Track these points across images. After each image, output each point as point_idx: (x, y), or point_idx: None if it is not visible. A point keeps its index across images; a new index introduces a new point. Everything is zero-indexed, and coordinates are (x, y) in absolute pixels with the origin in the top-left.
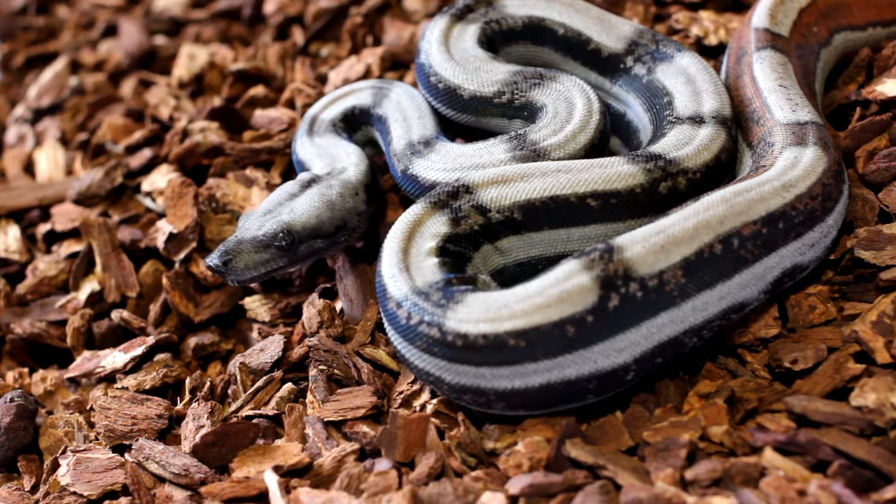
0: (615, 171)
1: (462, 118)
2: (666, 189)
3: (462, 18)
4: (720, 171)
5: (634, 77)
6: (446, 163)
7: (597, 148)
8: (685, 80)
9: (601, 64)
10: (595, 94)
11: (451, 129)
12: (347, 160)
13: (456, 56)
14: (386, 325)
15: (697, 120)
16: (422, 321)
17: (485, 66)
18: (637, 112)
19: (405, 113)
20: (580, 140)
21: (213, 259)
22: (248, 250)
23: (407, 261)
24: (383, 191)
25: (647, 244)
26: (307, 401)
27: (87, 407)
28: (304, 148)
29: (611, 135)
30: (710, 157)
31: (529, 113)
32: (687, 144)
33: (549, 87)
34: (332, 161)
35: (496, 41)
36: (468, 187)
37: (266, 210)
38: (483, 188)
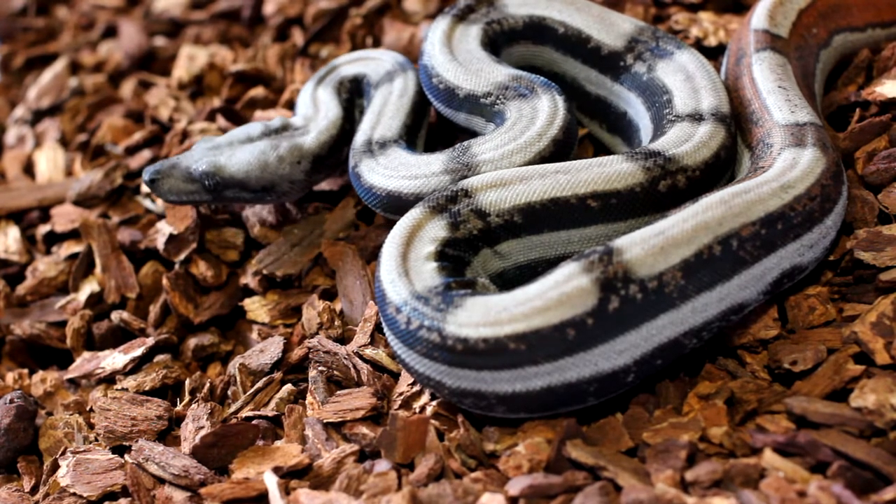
0: (614, 171)
1: (458, 117)
2: (665, 187)
3: (464, 19)
4: (720, 168)
5: (635, 75)
6: (387, 169)
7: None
8: (684, 77)
9: (601, 62)
10: (564, 122)
11: (451, 130)
12: (319, 124)
13: (459, 57)
14: (385, 329)
15: (697, 117)
16: (421, 326)
17: (486, 68)
18: (638, 110)
19: (384, 107)
20: (515, 160)
21: (146, 173)
22: (177, 177)
23: (406, 265)
24: (341, 164)
25: (646, 246)
26: (307, 402)
27: (87, 408)
28: (305, 92)
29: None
30: (710, 155)
31: (500, 121)
32: (686, 142)
33: (528, 101)
34: (312, 118)
35: (499, 42)
36: (467, 191)
37: (217, 145)
38: (482, 192)
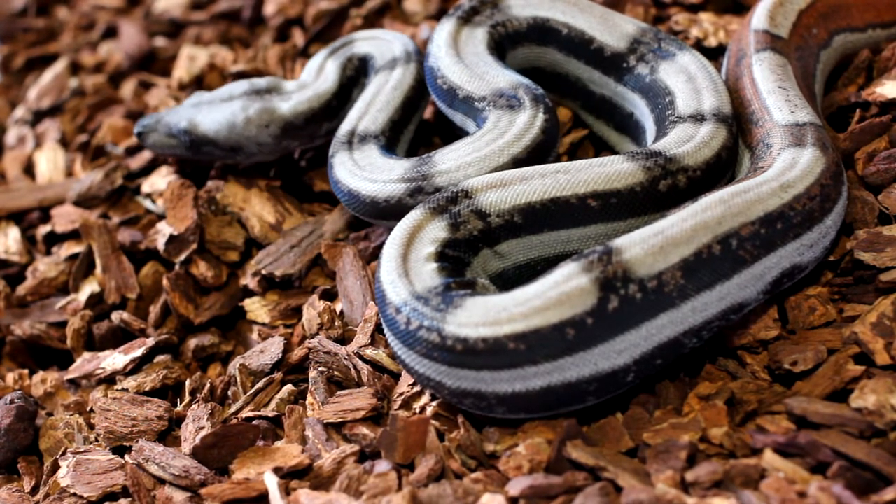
0: (614, 170)
1: (455, 117)
2: (666, 187)
3: (469, 21)
4: (721, 168)
5: (638, 76)
6: (355, 166)
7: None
8: (686, 78)
9: (604, 63)
10: (532, 141)
11: (448, 128)
12: (304, 93)
13: (466, 60)
14: (385, 330)
15: (698, 118)
16: (421, 326)
17: (491, 72)
18: (643, 112)
19: (376, 96)
20: (469, 173)
21: (137, 126)
22: (161, 132)
23: (406, 266)
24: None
25: (645, 246)
26: (307, 402)
27: (87, 408)
28: (315, 60)
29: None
30: (711, 155)
31: (480, 126)
32: (687, 142)
33: (509, 113)
34: (307, 85)
35: (504, 45)
36: (467, 192)
37: (200, 101)
38: (482, 192)
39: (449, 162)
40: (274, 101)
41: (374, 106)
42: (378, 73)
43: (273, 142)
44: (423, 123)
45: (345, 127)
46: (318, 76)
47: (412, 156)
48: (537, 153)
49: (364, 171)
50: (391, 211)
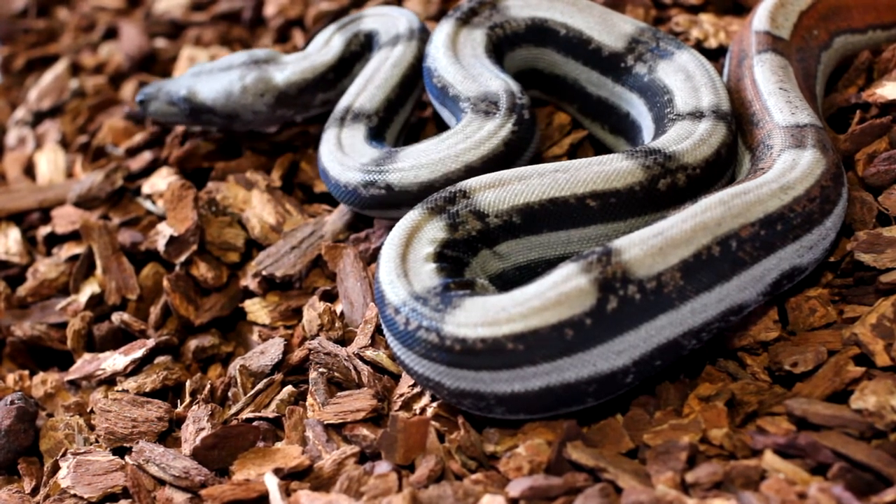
0: (613, 169)
1: (443, 113)
2: (665, 186)
3: (467, 22)
4: (720, 166)
5: (636, 76)
6: (335, 145)
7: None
8: (685, 77)
9: (602, 63)
10: (488, 151)
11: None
12: (300, 64)
13: (463, 61)
14: (385, 331)
15: (697, 115)
16: (420, 326)
17: (486, 75)
18: (640, 111)
19: (375, 73)
20: (420, 175)
21: (139, 95)
22: (162, 100)
23: (405, 267)
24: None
25: (645, 246)
26: (307, 403)
27: (88, 409)
28: (323, 33)
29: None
30: (710, 153)
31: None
32: (686, 139)
33: (481, 119)
34: (308, 56)
35: (503, 47)
36: (465, 192)
37: (200, 70)
38: (480, 192)
39: (408, 160)
40: (270, 71)
41: (372, 83)
42: (381, 50)
43: (268, 110)
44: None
45: (343, 103)
46: (322, 49)
47: (411, 140)
48: (494, 164)
49: (340, 152)
50: (349, 197)
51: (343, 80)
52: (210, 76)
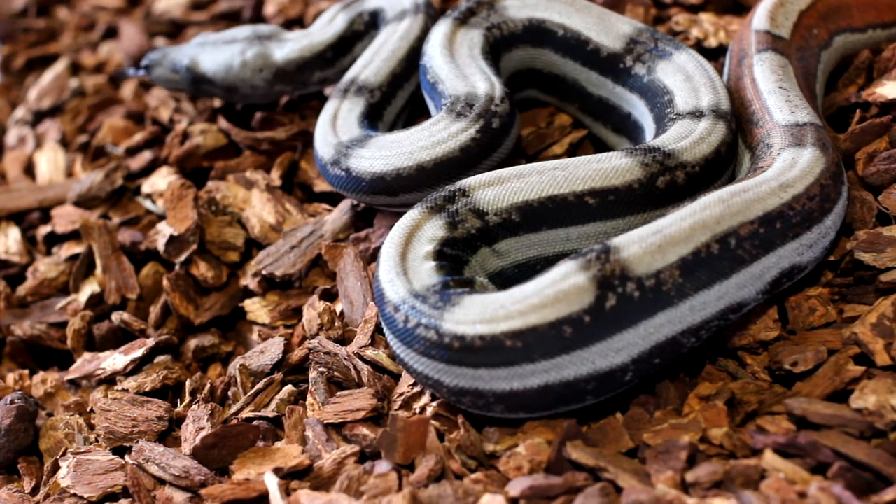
0: (612, 166)
1: (430, 105)
2: (664, 183)
3: (465, 23)
4: (720, 164)
5: (635, 77)
6: (329, 115)
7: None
8: (684, 77)
9: (601, 64)
10: (442, 153)
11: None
12: (299, 42)
13: (458, 61)
14: (384, 329)
15: (697, 114)
16: (419, 324)
17: (477, 75)
18: (642, 112)
19: (383, 45)
20: (375, 166)
21: (144, 59)
22: (165, 66)
23: (404, 265)
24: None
25: (644, 244)
26: (307, 403)
27: (88, 409)
28: (328, 12)
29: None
30: (710, 151)
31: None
32: (685, 137)
33: (453, 119)
34: (309, 34)
35: (500, 48)
36: (464, 190)
37: (205, 42)
38: (479, 190)
39: (373, 148)
40: (270, 48)
41: (379, 56)
42: (388, 25)
43: (265, 86)
44: None
45: (350, 74)
46: (324, 27)
47: (412, 121)
48: (447, 166)
49: (330, 123)
50: (322, 170)
51: (342, 59)
52: (213, 48)
